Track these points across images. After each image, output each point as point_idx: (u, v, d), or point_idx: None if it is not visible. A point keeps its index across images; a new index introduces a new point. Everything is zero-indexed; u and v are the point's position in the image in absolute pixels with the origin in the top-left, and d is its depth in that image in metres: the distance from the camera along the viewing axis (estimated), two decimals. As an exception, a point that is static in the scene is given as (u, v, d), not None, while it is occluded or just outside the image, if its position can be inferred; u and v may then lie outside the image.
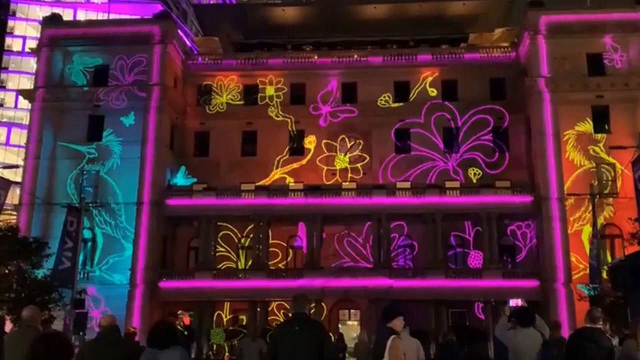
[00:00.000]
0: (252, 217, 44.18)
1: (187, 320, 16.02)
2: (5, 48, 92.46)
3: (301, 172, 47.02)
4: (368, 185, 44.98)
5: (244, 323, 43.12)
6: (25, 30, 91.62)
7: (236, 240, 46.70)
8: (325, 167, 47.27)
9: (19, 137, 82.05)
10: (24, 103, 67.09)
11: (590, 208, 36.84)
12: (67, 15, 76.94)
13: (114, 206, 43.44)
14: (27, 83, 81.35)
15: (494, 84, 47.62)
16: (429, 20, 51.54)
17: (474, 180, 45.55)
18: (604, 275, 31.23)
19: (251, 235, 45.33)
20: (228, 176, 47.22)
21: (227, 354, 41.27)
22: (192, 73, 49.65)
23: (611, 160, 40.98)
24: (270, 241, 44.73)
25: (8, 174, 57.43)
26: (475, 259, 43.65)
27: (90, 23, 60.88)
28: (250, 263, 44.94)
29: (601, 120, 42.46)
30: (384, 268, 42.25)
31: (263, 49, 52.05)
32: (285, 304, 42.37)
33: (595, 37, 43.33)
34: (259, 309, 42.57)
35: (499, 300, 39.07)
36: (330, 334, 11.06)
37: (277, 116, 48.21)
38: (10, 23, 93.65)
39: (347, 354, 32.25)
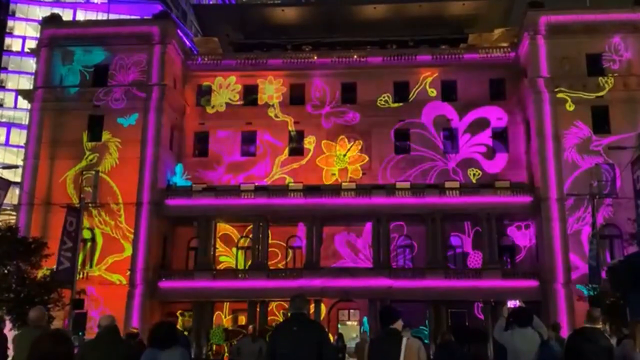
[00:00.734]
0: (252, 218, 44.18)
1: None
2: (5, 48, 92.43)
3: (301, 172, 47.04)
4: (367, 185, 44.98)
5: (244, 323, 43.10)
6: (25, 31, 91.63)
7: (235, 241, 46.75)
8: (325, 168, 47.28)
9: (19, 137, 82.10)
10: (23, 103, 67.24)
11: (590, 208, 36.84)
12: (66, 15, 77.02)
13: (113, 206, 43.45)
14: (26, 83, 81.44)
15: (494, 84, 47.67)
16: (428, 21, 51.60)
17: (474, 181, 45.57)
18: (604, 275, 31.23)
19: (250, 236, 45.34)
20: (227, 176, 47.29)
21: (226, 354, 41.25)
22: (191, 73, 49.67)
23: (610, 160, 40.98)
24: (270, 241, 44.71)
25: (7, 174, 57.46)
26: (475, 259, 43.69)
27: (89, 23, 60.89)
28: (249, 263, 44.92)
29: (601, 120, 42.45)
30: (383, 268, 42.25)
31: (263, 49, 52.08)
32: (285, 304, 42.35)
33: (594, 38, 43.35)
34: (258, 309, 42.57)
35: (498, 300, 39.10)
36: (330, 335, 11.07)
37: (276, 116, 48.24)
38: (10, 23, 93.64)
39: (346, 354, 32.25)
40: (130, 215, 43.25)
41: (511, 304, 36.71)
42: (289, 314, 7.87)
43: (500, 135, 46.79)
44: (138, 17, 60.94)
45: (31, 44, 66.75)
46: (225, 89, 49.28)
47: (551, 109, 42.61)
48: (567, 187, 40.77)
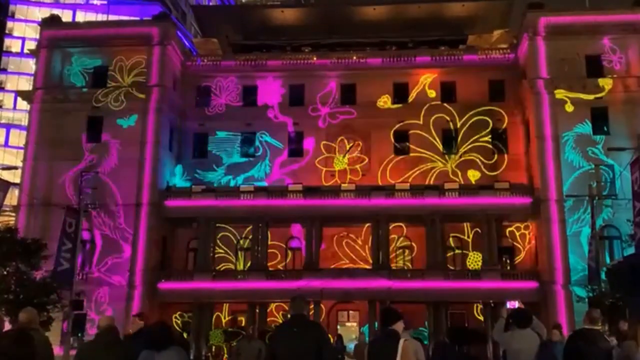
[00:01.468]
0: (251, 219, 44.14)
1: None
2: (4, 49, 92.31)
3: (300, 173, 47.04)
4: (367, 186, 44.95)
5: (243, 324, 43.07)
6: (24, 32, 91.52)
7: (235, 242, 46.72)
8: (324, 169, 47.27)
9: (18, 138, 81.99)
10: (22, 104, 67.12)
11: (589, 210, 36.84)
12: (66, 16, 76.98)
13: (112, 207, 43.42)
14: (26, 84, 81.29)
15: (493, 85, 47.67)
16: (427, 22, 51.60)
17: (473, 182, 45.55)
18: (603, 276, 31.23)
19: (250, 237, 45.31)
20: (227, 177, 47.29)
21: (226, 355, 41.21)
22: (191, 74, 49.65)
23: (610, 161, 40.99)
24: (269, 242, 44.71)
25: (7, 175, 57.49)
26: (474, 260, 43.65)
27: (89, 24, 60.82)
28: (249, 264, 44.91)
29: (600, 121, 42.49)
30: (383, 269, 42.21)
31: (262, 51, 52.08)
32: (284, 305, 42.36)
33: (594, 39, 43.37)
34: (258, 310, 42.54)
35: (497, 301, 39.12)
36: (329, 336, 11.05)
37: (276, 117, 48.24)
38: (9, 24, 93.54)
39: (345, 356, 32.18)
40: (129, 217, 43.23)
41: (510, 305, 36.74)
42: (289, 315, 7.87)
43: (500, 137, 46.80)
44: (137, 19, 60.90)
45: (31, 45, 66.73)
46: (225, 90, 49.29)
47: (550, 110, 42.62)
48: (566, 188, 40.77)
